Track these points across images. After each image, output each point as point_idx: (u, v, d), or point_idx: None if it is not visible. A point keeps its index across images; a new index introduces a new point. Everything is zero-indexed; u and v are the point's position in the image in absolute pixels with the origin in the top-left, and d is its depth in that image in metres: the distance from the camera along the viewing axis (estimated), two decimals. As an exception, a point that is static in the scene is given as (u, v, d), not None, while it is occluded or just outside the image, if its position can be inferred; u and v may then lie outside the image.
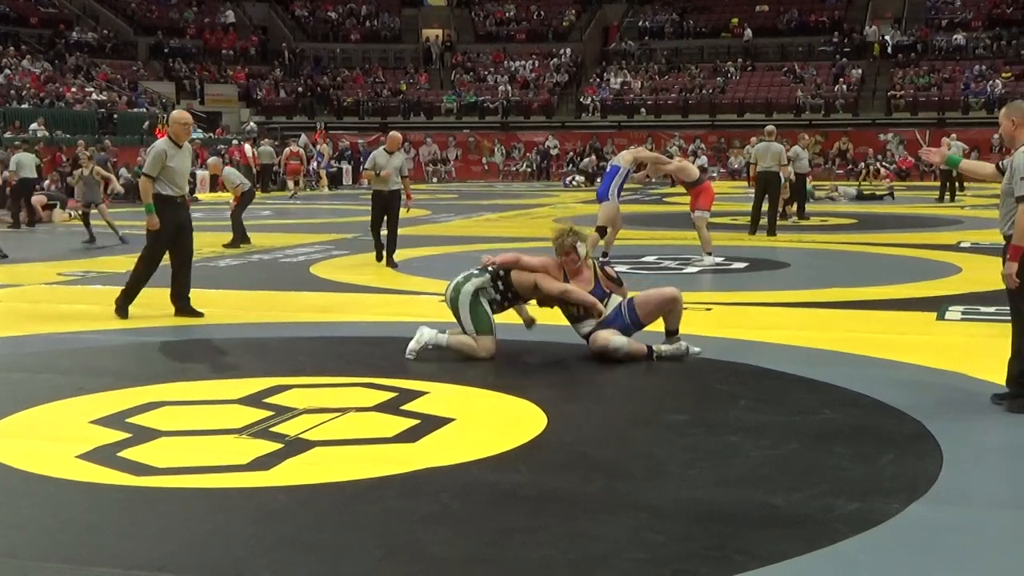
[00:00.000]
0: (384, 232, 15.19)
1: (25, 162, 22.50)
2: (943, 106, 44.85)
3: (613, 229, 15.05)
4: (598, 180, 22.83)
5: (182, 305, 10.97)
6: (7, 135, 32.13)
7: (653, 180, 23.74)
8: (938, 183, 30.57)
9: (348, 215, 24.82)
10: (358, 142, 44.07)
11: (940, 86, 45.99)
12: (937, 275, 13.22)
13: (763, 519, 5.02)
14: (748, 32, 51.09)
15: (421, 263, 14.31)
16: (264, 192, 36.09)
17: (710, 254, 14.85)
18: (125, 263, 15.40)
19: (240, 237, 18.07)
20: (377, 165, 15.28)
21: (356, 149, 43.02)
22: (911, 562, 4.57)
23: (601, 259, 10.94)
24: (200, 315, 10.86)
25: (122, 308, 10.84)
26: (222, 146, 39.29)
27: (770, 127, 19.71)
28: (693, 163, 20.39)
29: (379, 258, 15.21)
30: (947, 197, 29.04)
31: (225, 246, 17.66)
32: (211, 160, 23.57)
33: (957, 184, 30.10)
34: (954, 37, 48.34)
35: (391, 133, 16.03)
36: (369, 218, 15.66)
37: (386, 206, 15.23)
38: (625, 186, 15.26)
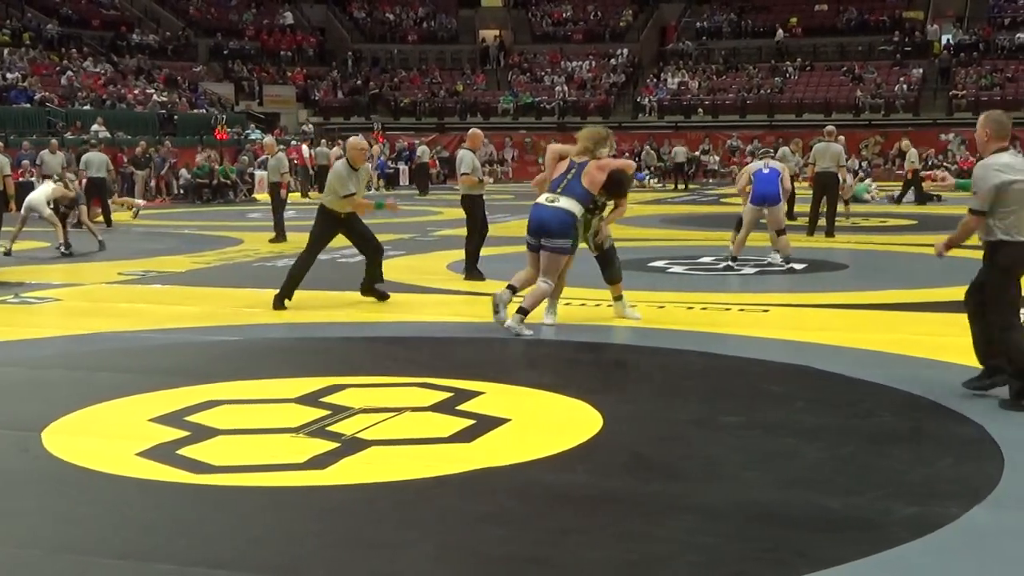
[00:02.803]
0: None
1: (94, 161, 22.59)
2: (1006, 106, 44.07)
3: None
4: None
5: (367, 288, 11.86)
6: (69, 136, 32.51)
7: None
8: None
9: (404, 215, 24.91)
10: (415, 143, 44.19)
11: (1003, 85, 45.38)
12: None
13: (820, 522, 4.98)
14: (780, 32, 50.82)
15: (484, 265, 14.24)
16: (322, 192, 36.37)
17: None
18: (184, 263, 15.60)
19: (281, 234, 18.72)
20: (476, 168, 13.95)
21: (413, 149, 43.13)
22: (971, 567, 4.52)
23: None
24: (281, 308, 11.31)
25: (280, 301, 11.41)
26: (282, 146, 39.58)
27: (830, 127, 19.53)
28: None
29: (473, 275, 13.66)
30: None
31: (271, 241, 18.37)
32: (267, 140, 23.66)
33: None
34: (1017, 36, 47.66)
35: (472, 131, 14.77)
36: (466, 230, 14.03)
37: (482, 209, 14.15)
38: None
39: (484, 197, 14.23)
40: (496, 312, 9.85)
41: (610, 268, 10.53)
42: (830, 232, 18.50)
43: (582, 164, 9.98)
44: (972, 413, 6.80)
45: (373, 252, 11.97)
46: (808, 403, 7.25)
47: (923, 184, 27.43)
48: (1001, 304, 7.10)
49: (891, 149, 42.08)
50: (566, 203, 9.87)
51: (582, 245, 10.45)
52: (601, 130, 10.34)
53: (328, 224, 11.87)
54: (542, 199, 10.02)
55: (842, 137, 25.16)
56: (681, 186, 38.66)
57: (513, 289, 10.02)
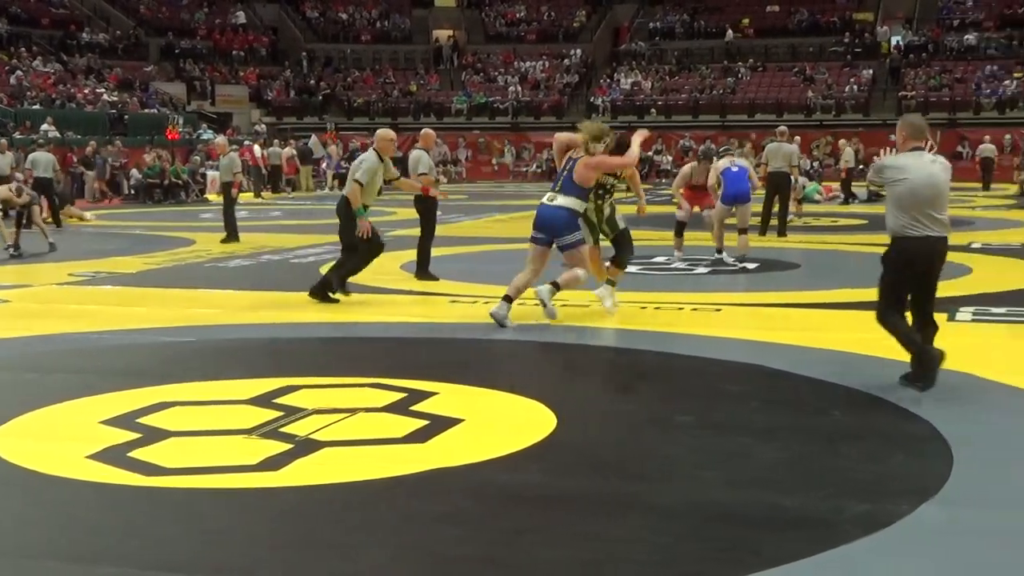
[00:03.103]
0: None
1: (41, 161, 22.37)
2: (955, 107, 44.74)
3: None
4: None
5: (321, 293, 11.66)
6: (18, 136, 32.19)
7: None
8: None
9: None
10: (368, 143, 44.09)
11: (952, 86, 45.87)
12: (948, 276, 13.08)
13: (773, 520, 5.02)
14: (730, 32, 51.17)
15: (435, 266, 14.23)
16: (275, 193, 36.18)
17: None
18: (135, 264, 15.48)
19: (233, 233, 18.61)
20: (432, 168, 14.07)
21: (366, 150, 43.04)
22: (921, 563, 4.56)
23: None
24: (335, 301, 11.55)
25: (341, 286, 11.64)
26: (235, 146, 39.36)
27: (782, 128, 19.67)
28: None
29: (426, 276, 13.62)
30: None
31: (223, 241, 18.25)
32: (218, 140, 23.35)
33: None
34: (966, 37, 48.20)
35: (425, 131, 14.82)
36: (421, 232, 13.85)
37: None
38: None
39: (437, 197, 14.21)
40: (502, 325, 10.00)
41: (622, 252, 10.94)
42: (782, 232, 18.63)
43: (575, 160, 10.30)
44: (922, 411, 6.86)
45: (369, 253, 11.97)
46: (762, 402, 7.29)
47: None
48: (884, 294, 7.55)
49: (839, 150, 42.48)
50: (563, 200, 10.23)
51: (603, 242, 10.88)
52: (599, 126, 10.57)
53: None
54: (545, 198, 10.43)
55: (798, 138, 25.34)
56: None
57: (509, 300, 10.17)
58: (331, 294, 11.64)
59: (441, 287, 12.85)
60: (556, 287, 10.22)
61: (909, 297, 7.60)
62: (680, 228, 15.22)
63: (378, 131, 12.47)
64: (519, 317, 10.56)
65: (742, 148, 25.07)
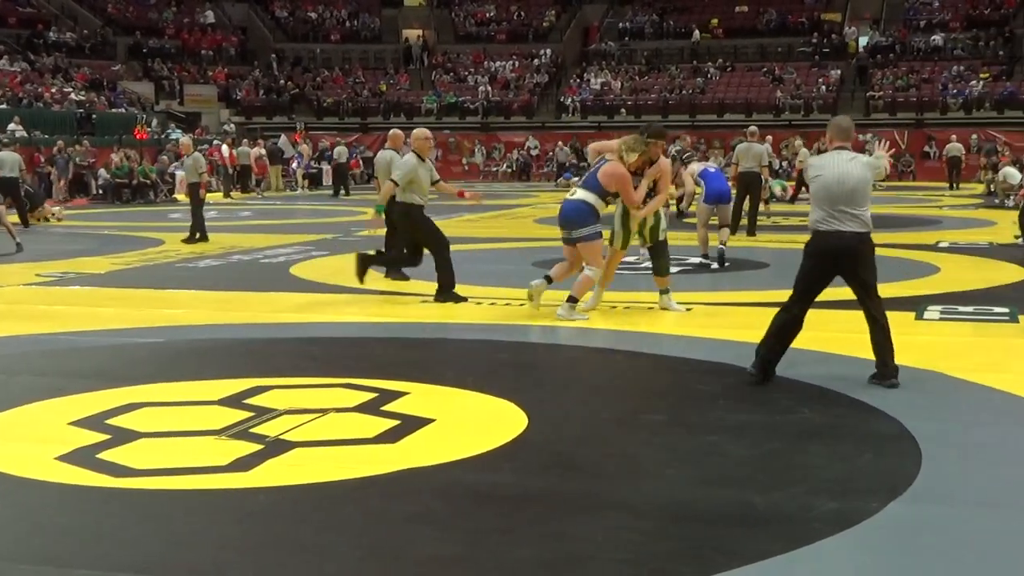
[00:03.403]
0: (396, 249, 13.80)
1: (7, 160, 22.19)
2: (922, 107, 45.04)
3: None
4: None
5: (443, 297, 11.63)
6: (-16, 135, 31.95)
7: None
8: (914, 182, 31.03)
9: (328, 216, 24.81)
10: (338, 142, 43.99)
11: (919, 87, 46.16)
12: (916, 275, 13.26)
13: (742, 518, 5.04)
14: (697, 33, 51.39)
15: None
16: (244, 192, 36.06)
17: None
18: (104, 264, 15.39)
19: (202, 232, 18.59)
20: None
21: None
22: (890, 561, 4.60)
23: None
24: (463, 299, 11.55)
25: (453, 296, 11.57)
26: (204, 145, 39.20)
27: (752, 128, 19.74)
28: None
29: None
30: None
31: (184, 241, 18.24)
32: (183, 140, 23.06)
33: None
34: (932, 38, 48.54)
35: (393, 131, 14.94)
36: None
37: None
38: None
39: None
40: (530, 299, 10.68)
41: (658, 261, 11.05)
42: (752, 231, 18.70)
43: (604, 161, 10.67)
44: (891, 409, 6.91)
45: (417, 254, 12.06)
46: (731, 401, 7.32)
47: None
48: (794, 284, 7.85)
49: (810, 149, 42.65)
50: (583, 194, 10.58)
51: (634, 241, 11.09)
52: (637, 140, 10.68)
53: (421, 217, 11.93)
54: (568, 193, 10.87)
55: (770, 138, 25.43)
56: None
57: (548, 280, 10.73)
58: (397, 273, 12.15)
59: (412, 287, 12.84)
60: (573, 301, 10.47)
61: (855, 295, 7.89)
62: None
63: (414, 131, 12.43)
64: (491, 318, 10.58)
65: (714, 149, 25.21)
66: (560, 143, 44.89)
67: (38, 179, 30.63)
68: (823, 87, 47.20)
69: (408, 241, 12.22)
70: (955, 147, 36.01)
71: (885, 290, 12.10)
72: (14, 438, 6.58)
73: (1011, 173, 26.82)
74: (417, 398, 7.36)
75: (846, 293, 10.87)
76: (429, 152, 12.14)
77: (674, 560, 4.59)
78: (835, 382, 7.68)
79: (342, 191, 35.57)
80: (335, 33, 55.54)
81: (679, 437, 6.45)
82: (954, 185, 35.18)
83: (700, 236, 15.16)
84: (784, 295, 11.86)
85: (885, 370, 7.66)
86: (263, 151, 37.37)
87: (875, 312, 7.82)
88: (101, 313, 11.12)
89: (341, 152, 37.01)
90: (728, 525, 4.96)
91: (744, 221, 18.81)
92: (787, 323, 7.79)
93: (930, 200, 29.76)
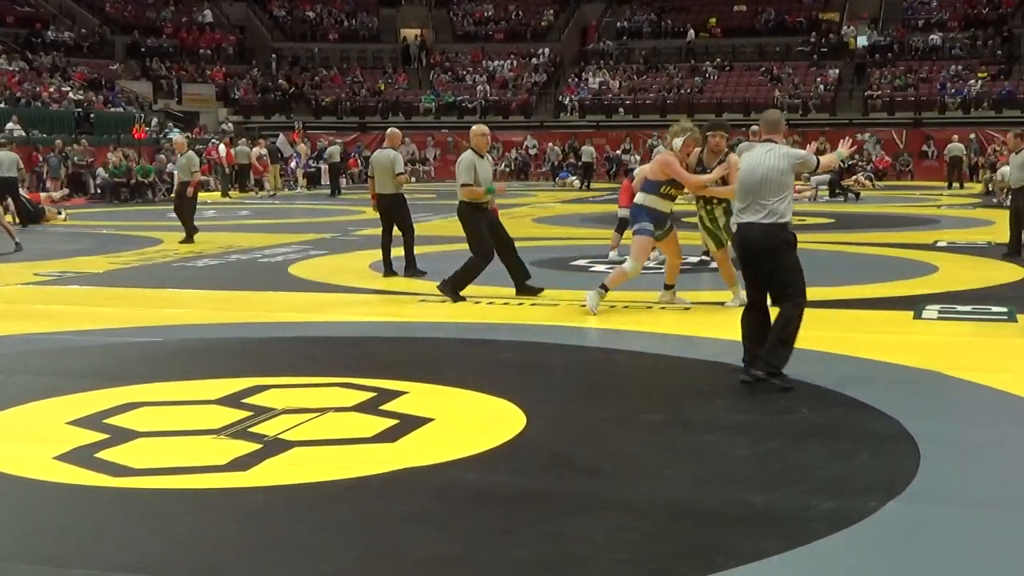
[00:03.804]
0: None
1: (4, 160, 22.15)
2: (919, 106, 45.05)
3: None
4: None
5: (520, 286, 11.92)
6: (-17, 134, 31.94)
7: None
8: (912, 181, 31.05)
9: (326, 215, 24.79)
10: (336, 142, 43.98)
11: (917, 86, 46.18)
12: (914, 274, 13.26)
13: (741, 518, 5.03)
14: (692, 32, 51.40)
15: (398, 263, 14.27)
16: (242, 192, 36.04)
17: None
18: (102, 264, 15.39)
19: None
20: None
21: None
22: (888, 560, 4.59)
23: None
24: (540, 290, 11.86)
25: (454, 293, 11.56)
26: (200, 146, 39.18)
27: (755, 127, 19.73)
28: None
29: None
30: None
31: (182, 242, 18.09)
32: (177, 138, 22.84)
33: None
34: (930, 37, 48.57)
35: (391, 130, 14.96)
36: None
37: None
38: None
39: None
40: (670, 301, 11.25)
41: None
42: None
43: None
44: (889, 409, 6.90)
45: (505, 249, 11.99)
46: (730, 401, 7.32)
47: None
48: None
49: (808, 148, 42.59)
50: (638, 196, 10.97)
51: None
52: (684, 124, 11.09)
53: (478, 217, 11.87)
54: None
55: (796, 137, 25.48)
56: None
57: (670, 287, 11.29)
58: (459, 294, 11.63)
59: (411, 286, 12.85)
60: (604, 289, 10.71)
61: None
62: (622, 225, 15.17)
63: (472, 128, 12.48)
64: (490, 317, 10.58)
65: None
66: (550, 143, 44.91)
67: (36, 178, 30.60)
68: (821, 86, 47.21)
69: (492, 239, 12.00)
70: (956, 147, 35.96)
71: (883, 290, 12.18)
72: (12, 438, 6.57)
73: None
74: (416, 397, 7.36)
75: (847, 293, 10.92)
76: (487, 148, 12.20)
77: (674, 560, 4.59)
78: (834, 382, 7.67)
79: (335, 190, 35.63)
80: (333, 32, 55.52)
81: (678, 437, 6.45)
82: (953, 185, 35.15)
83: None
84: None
85: (754, 360, 7.64)
86: (264, 151, 37.27)
87: (786, 309, 7.68)
88: (99, 312, 11.11)
89: (334, 152, 37.00)
90: (727, 525, 4.96)
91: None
92: (754, 322, 7.79)
93: (928, 200, 29.77)
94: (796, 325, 7.64)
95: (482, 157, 12.00)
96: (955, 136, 37.00)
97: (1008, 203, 16.45)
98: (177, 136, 22.23)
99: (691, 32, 51.71)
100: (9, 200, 22.33)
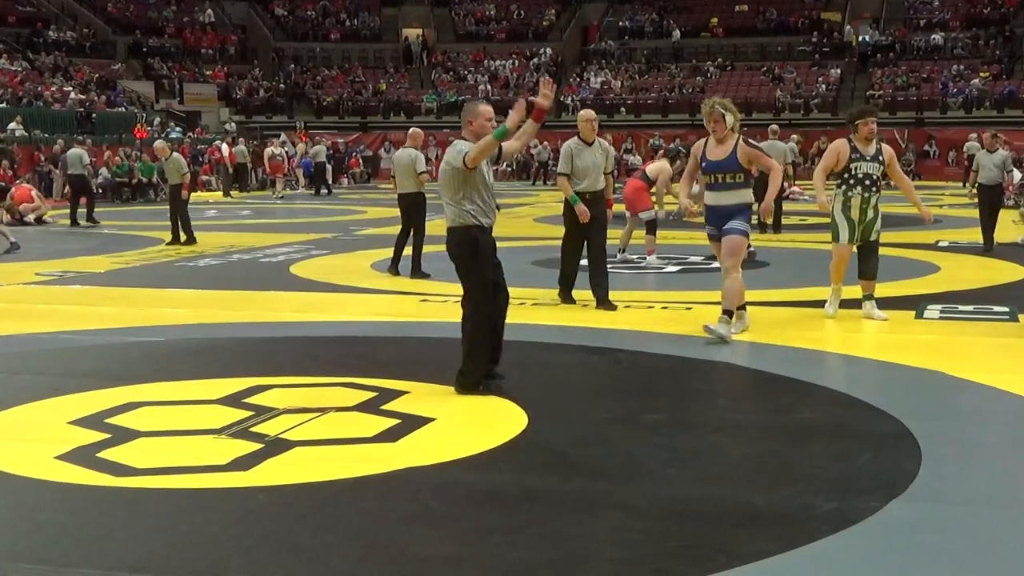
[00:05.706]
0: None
1: (72, 158, 22.17)
2: (921, 106, 45.04)
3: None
4: None
5: (599, 296, 11.14)
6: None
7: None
8: (914, 181, 31.01)
9: (327, 215, 24.79)
10: (338, 142, 43.98)
11: (918, 86, 46.17)
12: (915, 274, 13.26)
13: (742, 518, 5.03)
14: (676, 33, 51.39)
15: (403, 266, 14.24)
16: (242, 191, 36.03)
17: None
18: (104, 263, 15.39)
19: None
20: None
21: (336, 149, 42.88)
22: (890, 560, 4.59)
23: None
24: (613, 307, 10.96)
25: (567, 295, 11.38)
26: (202, 145, 39.20)
27: (774, 126, 19.84)
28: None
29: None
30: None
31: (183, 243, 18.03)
32: (157, 144, 22.66)
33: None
34: (932, 37, 48.56)
35: (413, 130, 14.90)
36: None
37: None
38: None
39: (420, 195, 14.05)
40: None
41: (866, 262, 10.54)
42: (777, 228, 18.58)
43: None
44: (891, 409, 6.90)
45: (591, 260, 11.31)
46: (731, 401, 7.32)
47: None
48: None
49: (810, 148, 42.65)
50: (745, 194, 9.98)
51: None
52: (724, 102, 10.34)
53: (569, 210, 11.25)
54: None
55: (796, 136, 25.52)
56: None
57: (730, 313, 9.60)
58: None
59: (413, 286, 12.84)
60: (729, 315, 9.52)
61: None
62: (652, 227, 15.07)
63: (579, 112, 11.67)
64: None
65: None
66: (538, 144, 44.84)
67: (38, 178, 30.61)
68: (823, 86, 47.20)
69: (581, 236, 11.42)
70: (973, 145, 35.73)
71: (884, 289, 12.16)
72: (14, 437, 6.57)
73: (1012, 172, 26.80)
74: (417, 397, 7.35)
75: (848, 293, 10.91)
76: (593, 134, 11.19)
77: (675, 560, 4.58)
78: (834, 381, 7.67)
79: (323, 190, 35.67)
80: (335, 32, 55.54)
81: (679, 437, 6.44)
82: (967, 184, 35.01)
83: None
84: (784, 295, 11.93)
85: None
86: (276, 151, 36.84)
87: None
88: (101, 312, 11.11)
89: (319, 151, 36.93)
90: (728, 525, 4.95)
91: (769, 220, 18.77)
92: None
93: (930, 199, 29.69)
94: None
95: (588, 145, 11.15)
96: (972, 135, 36.79)
97: (983, 201, 16.23)
98: (158, 142, 22.03)
99: (675, 33, 51.68)
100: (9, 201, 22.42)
